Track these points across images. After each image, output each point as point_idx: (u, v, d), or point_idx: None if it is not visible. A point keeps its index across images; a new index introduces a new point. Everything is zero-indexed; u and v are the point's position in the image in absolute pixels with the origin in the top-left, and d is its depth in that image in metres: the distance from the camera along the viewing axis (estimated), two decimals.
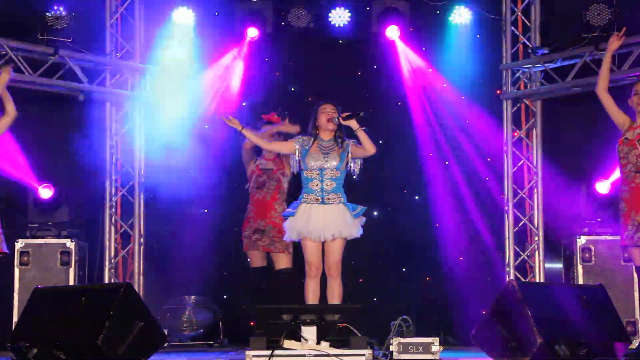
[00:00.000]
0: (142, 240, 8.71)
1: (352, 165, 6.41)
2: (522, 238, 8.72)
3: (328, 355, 5.47)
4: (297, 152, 6.43)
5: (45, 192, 8.12)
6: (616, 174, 7.28)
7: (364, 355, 5.51)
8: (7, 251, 6.33)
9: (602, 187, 7.96)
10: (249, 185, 7.55)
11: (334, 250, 6.39)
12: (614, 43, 6.76)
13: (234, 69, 8.97)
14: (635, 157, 6.42)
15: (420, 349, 5.87)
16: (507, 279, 8.35)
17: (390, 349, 5.92)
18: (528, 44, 8.70)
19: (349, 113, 6.37)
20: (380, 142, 8.77)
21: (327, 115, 6.43)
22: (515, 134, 8.78)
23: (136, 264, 8.64)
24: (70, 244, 7.99)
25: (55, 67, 8.21)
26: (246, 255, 7.63)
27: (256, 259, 7.46)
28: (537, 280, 8.49)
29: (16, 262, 7.92)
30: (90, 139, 8.88)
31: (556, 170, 8.81)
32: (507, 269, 8.57)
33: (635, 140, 6.42)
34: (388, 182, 8.98)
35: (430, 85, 9.05)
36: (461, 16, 8.93)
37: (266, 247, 7.29)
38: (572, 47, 8.23)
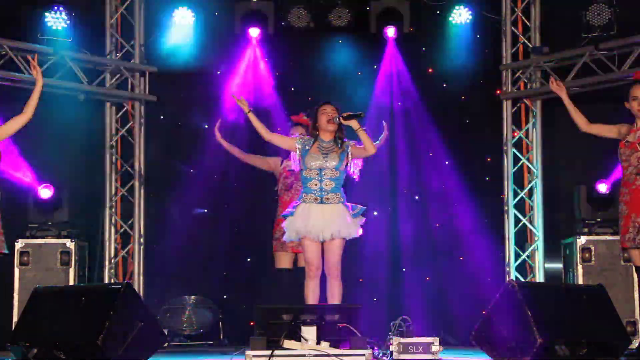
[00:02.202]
0: (142, 240, 8.70)
1: (352, 166, 6.40)
2: (522, 238, 8.72)
3: (328, 355, 5.46)
4: (297, 150, 6.41)
5: (45, 192, 8.10)
6: (616, 175, 7.28)
7: (364, 355, 5.50)
8: (6, 252, 6.31)
9: (602, 187, 7.95)
10: (277, 187, 7.45)
11: (333, 250, 6.37)
12: (561, 89, 6.71)
13: (234, 68, 8.97)
14: (636, 159, 6.38)
15: (420, 349, 5.87)
16: (507, 279, 8.35)
17: (390, 349, 5.92)
18: (528, 44, 8.70)
19: (349, 113, 6.35)
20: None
21: (327, 116, 6.40)
22: (515, 134, 8.78)
23: (136, 264, 8.64)
24: (70, 244, 7.98)
25: (55, 67, 8.21)
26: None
27: (283, 261, 7.31)
28: (537, 280, 8.49)
29: (16, 262, 7.91)
30: (90, 139, 8.89)
31: (556, 170, 8.82)
32: (507, 269, 8.58)
33: (637, 143, 6.39)
34: (388, 182, 8.97)
35: (430, 85, 9.05)
36: (461, 16, 8.93)
37: (295, 248, 7.20)
38: (572, 47, 8.24)
